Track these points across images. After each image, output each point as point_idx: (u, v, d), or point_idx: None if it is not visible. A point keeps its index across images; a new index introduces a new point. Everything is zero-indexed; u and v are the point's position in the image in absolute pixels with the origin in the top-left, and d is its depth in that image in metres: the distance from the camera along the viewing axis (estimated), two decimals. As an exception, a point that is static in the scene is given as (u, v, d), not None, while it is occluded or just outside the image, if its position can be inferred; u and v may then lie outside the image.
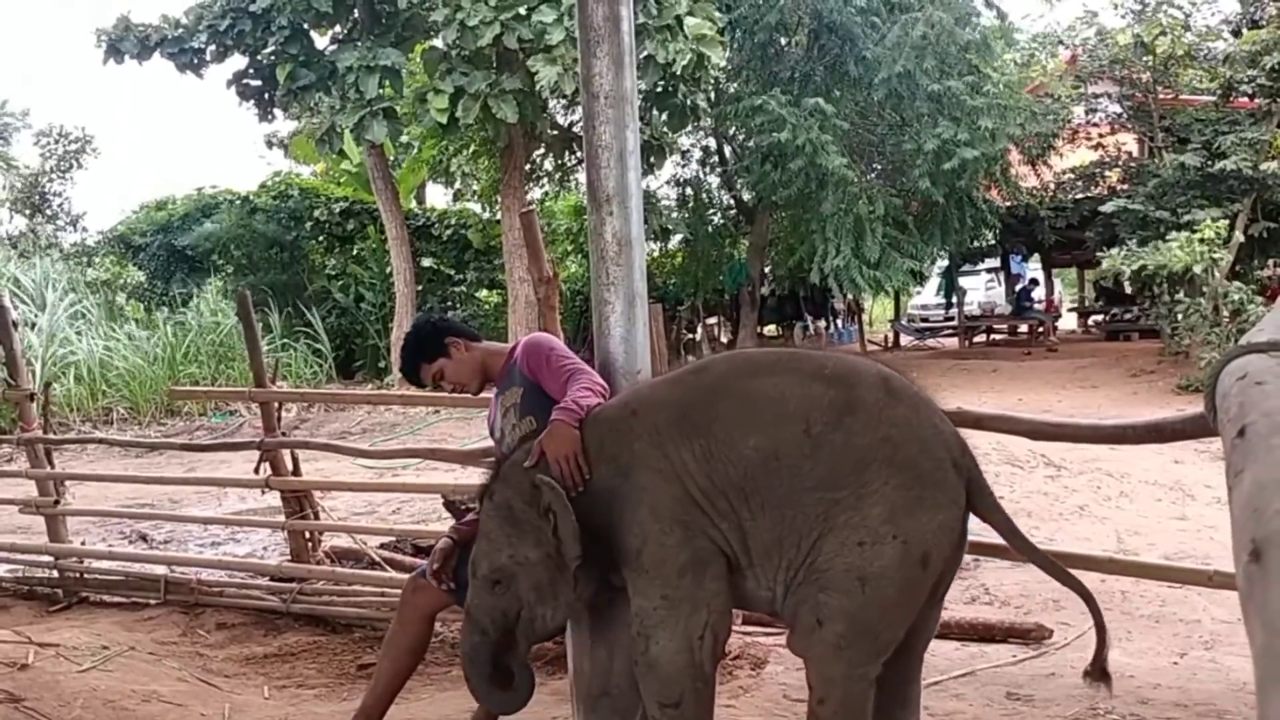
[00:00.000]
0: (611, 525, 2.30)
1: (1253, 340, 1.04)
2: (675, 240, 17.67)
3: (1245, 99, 13.25)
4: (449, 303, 16.67)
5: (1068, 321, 21.75)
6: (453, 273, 17.48)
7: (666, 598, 2.24)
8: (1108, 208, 13.00)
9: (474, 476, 4.44)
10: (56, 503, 5.08)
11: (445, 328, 2.89)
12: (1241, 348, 1.01)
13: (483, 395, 3.06)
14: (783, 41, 14.95)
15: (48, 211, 21.67)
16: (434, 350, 2.81)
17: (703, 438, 2.22)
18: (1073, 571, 2.44)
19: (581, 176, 15.76)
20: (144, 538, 6.67)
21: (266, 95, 14.50)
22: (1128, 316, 16.95)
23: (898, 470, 2.11)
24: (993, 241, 16.80)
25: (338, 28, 14.39)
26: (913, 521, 2.10)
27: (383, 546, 4.91)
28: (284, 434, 4.79)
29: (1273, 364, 0.85)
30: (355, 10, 13.95)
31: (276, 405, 4.64)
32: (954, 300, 19.01)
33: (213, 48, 13.80)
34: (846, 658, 2.14)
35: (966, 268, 19.68)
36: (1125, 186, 14.40)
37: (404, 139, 16.82)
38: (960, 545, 2.24)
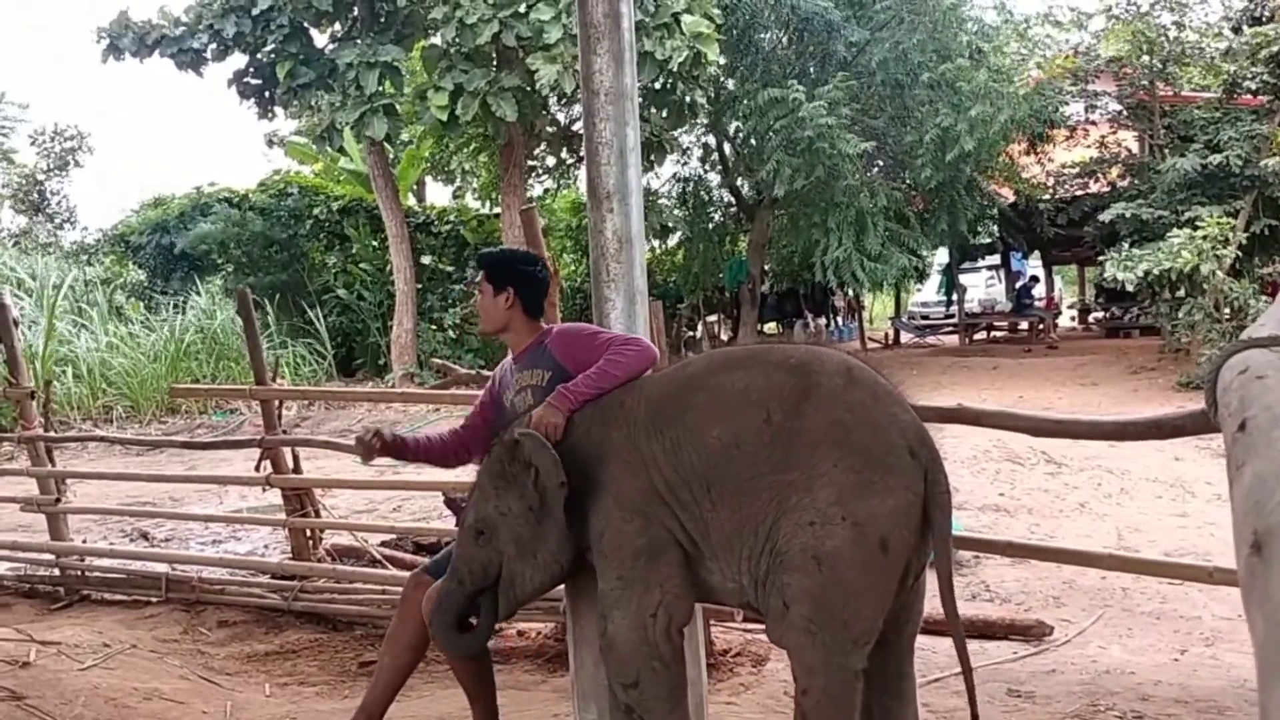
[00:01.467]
0: (584, 506, 2.40)
1: (1253, 335, 1.04)
2: (675, 238, 17.66)
3: (1249, 96, 13.22)
4: (449, 300, 16.66)
5: (1067, 319, 21.74)
6: (453, 270, 17.47)
7: (621, 578, 2.32)
8: (1107, 215, 12.97)
9: (474, 474, 4.44)
10: (57, 501, 5.08)
11: (522, 279, 2.83)
12: (1242, 342, 1.01)
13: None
14: (781, 36, 14.97)
15: (47, 210, 21.67)
16: (496, 278, 2.82)
17: (673, 430, 2.31)
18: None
19: (581, 174, 15.73)
20: (145, 536, 6.67)
21: (266, 94, 14.50)
22: (1126, 314, 16.93)
23: (848, 453, 2.13)
24: (993, 238, 16.78)
25: (337, 26, 14.39)
26: (862, 505, 2.10)
27: (384, 544, 4.92)
28: (284, 432, 4.79)
29: (1273, 358, 0.85)
30: (354, 8, 13.95)
31: (277, 403, 4.64)
32: (954, 297, 19.00)
33: (213, 46, 13.79)
34: (821, 643, 2.13)
35: (967, 265, 19.66)
36: (1126, 183, 14.38)
37: (404, 136, 16.81)
38: (923, 532, 2.21)
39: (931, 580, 2.29)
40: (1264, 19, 13.76)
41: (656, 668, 2.31)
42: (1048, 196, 15.38)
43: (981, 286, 21.83)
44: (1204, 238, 11.19)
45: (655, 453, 2.31)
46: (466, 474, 4.91)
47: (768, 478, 2.17)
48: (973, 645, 3.77)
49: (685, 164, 17.33)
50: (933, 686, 3.31)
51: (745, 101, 13.80)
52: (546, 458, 2.38)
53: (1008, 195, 15.58)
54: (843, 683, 2.15)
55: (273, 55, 13.77)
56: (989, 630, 3.88)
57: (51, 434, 5.34)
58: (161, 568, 4.96)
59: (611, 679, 2.38)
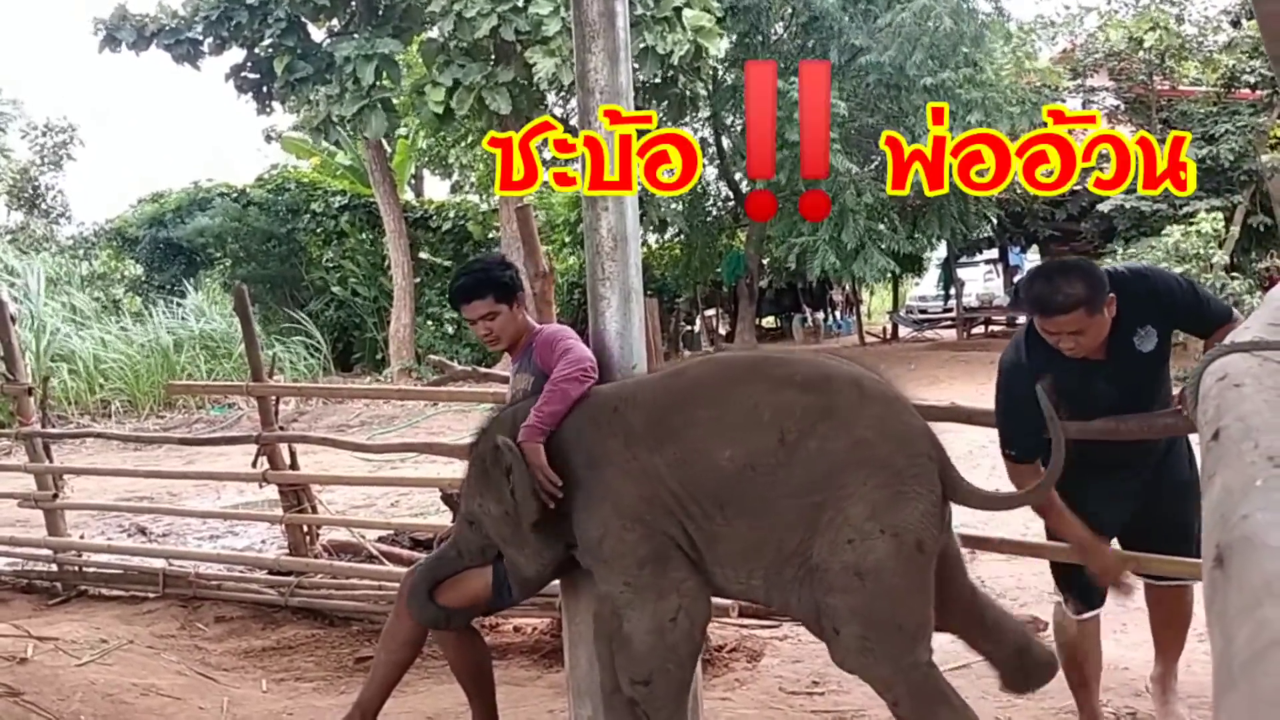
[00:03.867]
0: (576, 511, 2.39)
1: (1237, 339, 1.05)
2: (673, 232, 17.65)
3: (1248, 90, 13.21)
4: (446, 295, 16.68)
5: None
6: (451, 265, 17.47)
7: (629, 585, 2.32)
8: (1105, 205, 12.99)
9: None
10: (55, 496, 5.09)
11: (515, 284, 2.80)
12: (1225, 347, 1.01)
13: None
14: (779, 29, 14.96)
15: (43, 206, 21.63)
16: (506, 295, 2.76)
17: (676, 444, 2.28)
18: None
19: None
20: (143, 531, 6.68)
21: (264, 88, 14.50)
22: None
23: (876, 470, 2.16)
24: (992, 231, 16.80)
25: (335, 20, 14.38)
26: (897, 515, 2.15)
27: (380, 540, 4.92)
28: (281, 428, 4.80)
29: (1254, 364, 0.86)
30: (352, 2, 13.93)
31: (273, 399, 4.65)
32: (952, 292, 19.01)
33: (210, 39, 13.80)
34: (885, 655, 2.17)
35: (965, 259, 19.67)
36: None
37: (400, 131, 16.80)
38: (943, 526, 2.31)
39: None
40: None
41: (671, 669, 2.32)
42: (1041, 199, 15.37)
43: (979, 281, 21.84)
44: (1199, 233, 11.20)
45: (658, 465, 2.28)
46: (463, 470, 4.91)
47: (788, 500, 2.18)
48: (967, 641, 3.79)
49: (683, 157, 17.29)
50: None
51: (743, 93, 13.78)
52: (524, 487, 2.38)
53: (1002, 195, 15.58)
54: (922, 678, 2.20)
55: (270, 49, 13.76)
56: (983, 626, 3.89)
57: (49, 430, 5.35)
58: (159, 563, 4.97)
59: (621, 671, 2.37)
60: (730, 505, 2.22)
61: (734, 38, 14.86)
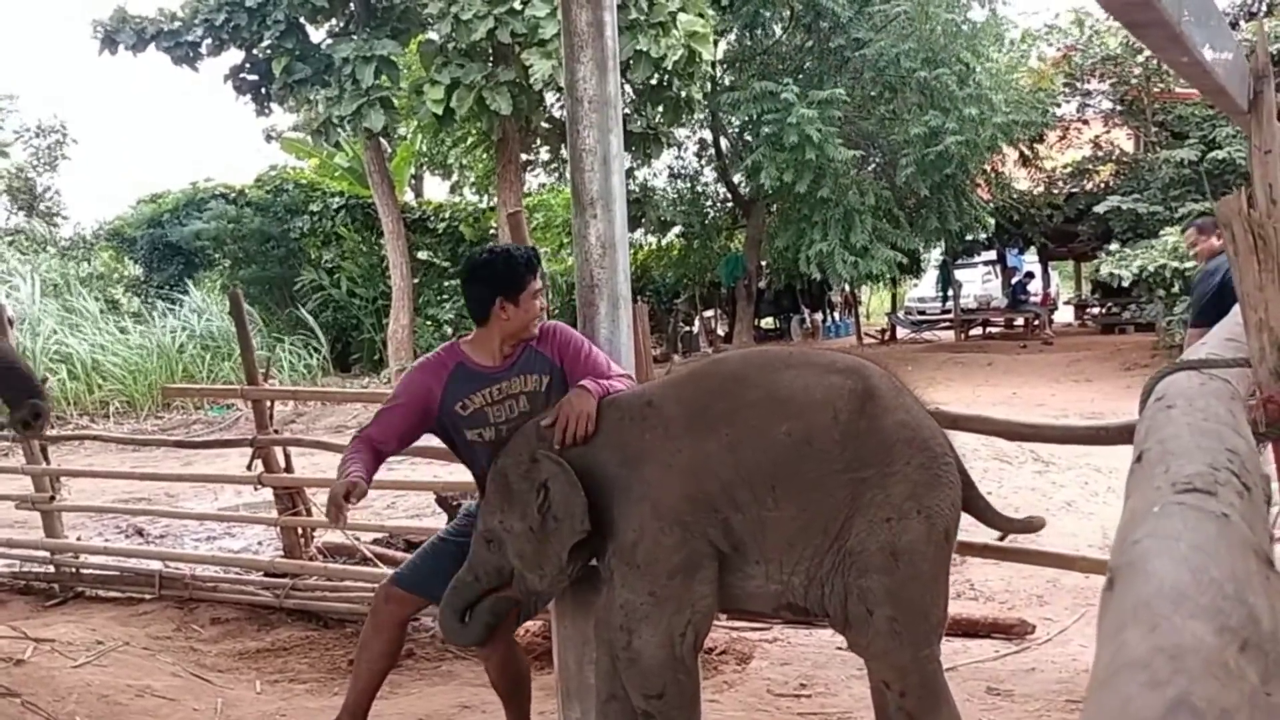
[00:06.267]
0: (607, 513, 2.35)
1: (1188, 358, 1.08)
2: (672, 234, 17.67)
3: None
4: (445, 295, 16.71)
5: (1064, 314, 21.77)
6: (449, 265, 17.51)
7: (654, 594, 2.29)
8: (1101, 207, 13.02)
9: (465, 473, 4.47)
10: (52, 498, 5.12)
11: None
12: (1176, 365, 1.04)
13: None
14: (777, 29, 14.99)
15: (41, 207, 21.66)
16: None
17: (728, 426, 2.27)
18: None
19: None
20: (140, 532, 6.71)
21: (263, 89, 14.53)
22: (1122, 310, 16.97)
23: (918, 451, 2.23)
24: (988, 235, 16.87)
25: (334, 21, 14.42)
26: (932, 498, 2.21)
27: (375, 542, 4.95)
28: (276, 430, 4.83)
29: (1194, 384, 0.88)
30: (350, 4, 13.97)
31: (268, 402, 4.68)
32: (950, 293, 19.03)
33: (208, 41, 13.85)
34: (909, 641, 2.20)
35: (963, 261, 19.70)
36: (1118, 181, 14.42)
37: (400, 131, 16.83)
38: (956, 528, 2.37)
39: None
40: (1259, 14, 13.78)
41: (682, 679, 2.34)
42: (1039, 201, 15.41)
43: (978, 282, 21.83)
44: (1197, 235, 11.22)
45: (708, 453, 2.26)
46: (459, 474, 4.94)
47: (842, 475, 2.21)
48: (955, 644, 3.83)
49: (681, 158, 17.34)
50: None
51: (739, 93, 13.82)
52: (577, 501, 2.32)
53: (997, 202, 15.61)
54: (934, 673, 2.25)
55: (269, 51, 13.80)
56: (971, 629, 3.92)
57: (46, 432, 5.36)
58: (155, 565, 5.00)
59: (633, 689, 2.36)
60: (781, 484, 2.22)
61: (731, 38, 14.88)
